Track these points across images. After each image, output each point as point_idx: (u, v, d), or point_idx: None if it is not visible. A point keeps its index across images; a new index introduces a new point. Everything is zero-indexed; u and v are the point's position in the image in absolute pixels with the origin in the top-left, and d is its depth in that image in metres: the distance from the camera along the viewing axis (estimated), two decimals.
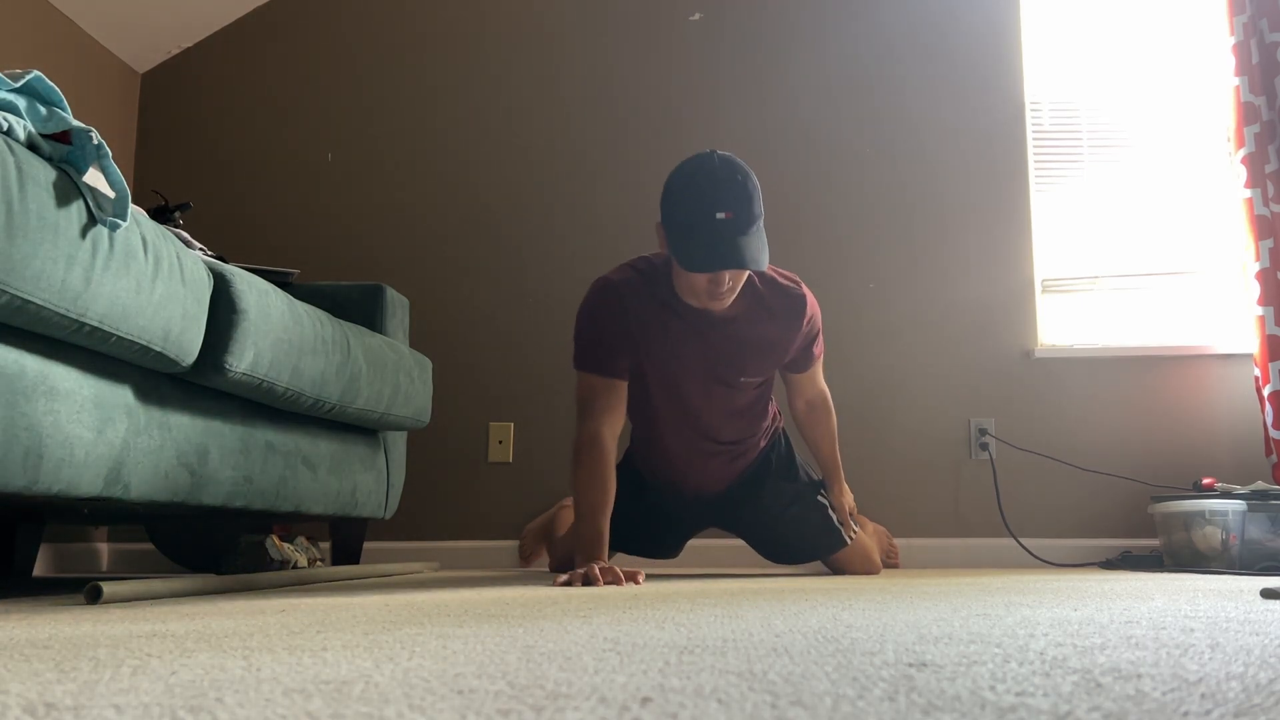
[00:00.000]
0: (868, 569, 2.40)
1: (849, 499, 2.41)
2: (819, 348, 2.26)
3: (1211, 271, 3.08)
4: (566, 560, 2.39)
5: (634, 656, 0.74)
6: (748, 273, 1.99)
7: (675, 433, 2.24)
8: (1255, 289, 2.81)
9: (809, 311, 2.16)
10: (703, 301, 1.99)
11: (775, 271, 2.14)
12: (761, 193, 1.94)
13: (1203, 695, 0.57)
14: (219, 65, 3.41)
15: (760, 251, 1.91)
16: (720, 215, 1.86)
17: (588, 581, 1.81)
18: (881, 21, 3.26)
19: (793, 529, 2.31)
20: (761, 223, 1.93)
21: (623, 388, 2.09)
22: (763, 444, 2.36)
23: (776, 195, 3.19)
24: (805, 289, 2.17)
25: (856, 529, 2.37)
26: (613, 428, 2.05)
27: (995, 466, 2.99)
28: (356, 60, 3.38)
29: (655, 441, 2.28)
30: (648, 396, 2.18)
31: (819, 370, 2.32)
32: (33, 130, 1.32)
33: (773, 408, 2.37)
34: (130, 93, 3.36)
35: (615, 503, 2.04)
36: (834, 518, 2.31)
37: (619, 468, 2.22)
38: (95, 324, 1.39)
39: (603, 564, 1.87)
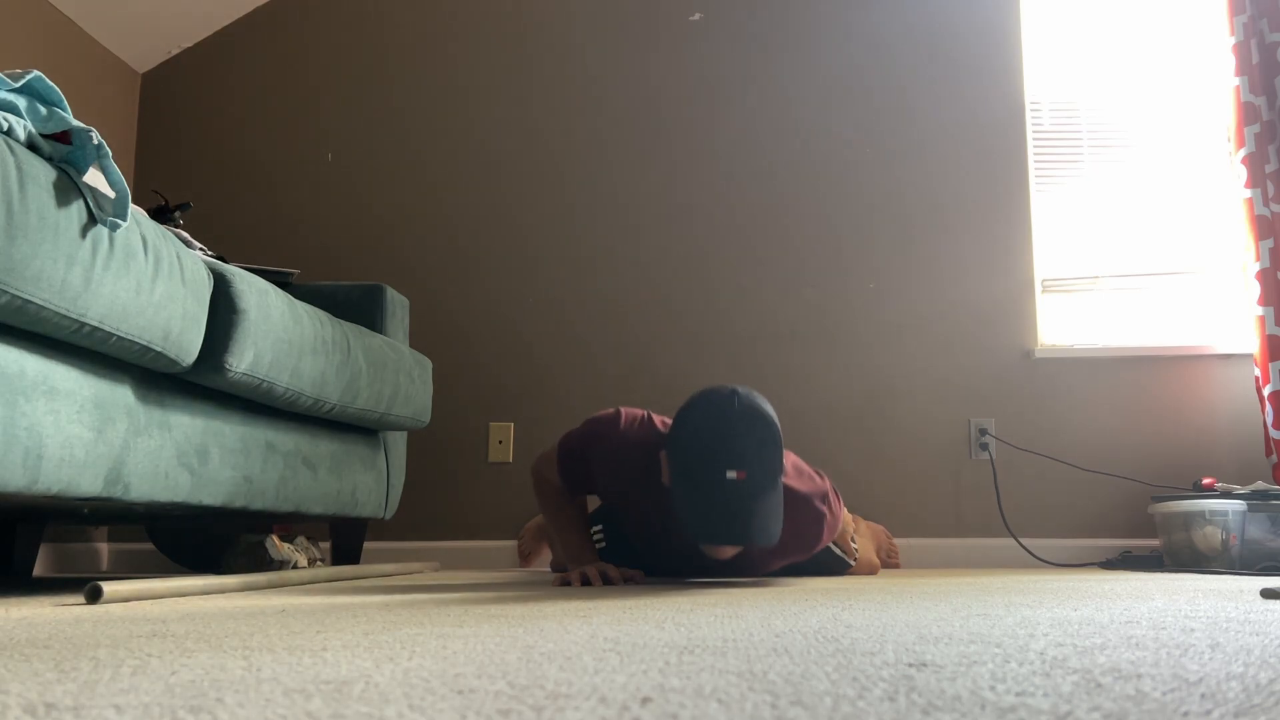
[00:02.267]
0: (868, 569, 2.39)
1: (845, 518, 2.32)
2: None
3: (1211, 271, 3.08)
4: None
5: (634, 656, 0.74)
6: None
7: (658, 557, 2.08)
8: (1255, 289, 2.81)
9: (826, 533, 1.94)
10: (705, 550, 1.77)
11: (791, 482, 1.88)
12: (781, 439, 1.73)
13: (1203, 695, 0.57)
14: (219, 65, 3.41)
15: (772, 517, 1.68)
16: (731, 475, 1.64)
17: (587, 581, 1.81)
18: (881, 21, 3.26)
19: (797, 569, 2.26)
20: (781, 479, 1.71)
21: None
22: (816, 549, 2.04)
23: (776, 195, 3.19)
24: (821, 505, 1.92)
25: (856, 548, 2.35)
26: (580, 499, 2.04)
27: (995, 466, 2.99)
28: (356, 60, 3.38)
29: (638, 538, 2.11)
30: (624, 519, 2.06)
31: None
32: (33, 130, 1.32)
33: (826, 502, 1.98)
34: (130, 93, 3.36)
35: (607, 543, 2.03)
36: (836, 550, 2.29)
37: (596, 515, 2.22)
38: (95, 324, 1.39)
39: (601, 564, 1.87)
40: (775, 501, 1.69)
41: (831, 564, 2.28)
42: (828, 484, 1.98)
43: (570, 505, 2.01)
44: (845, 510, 2.35)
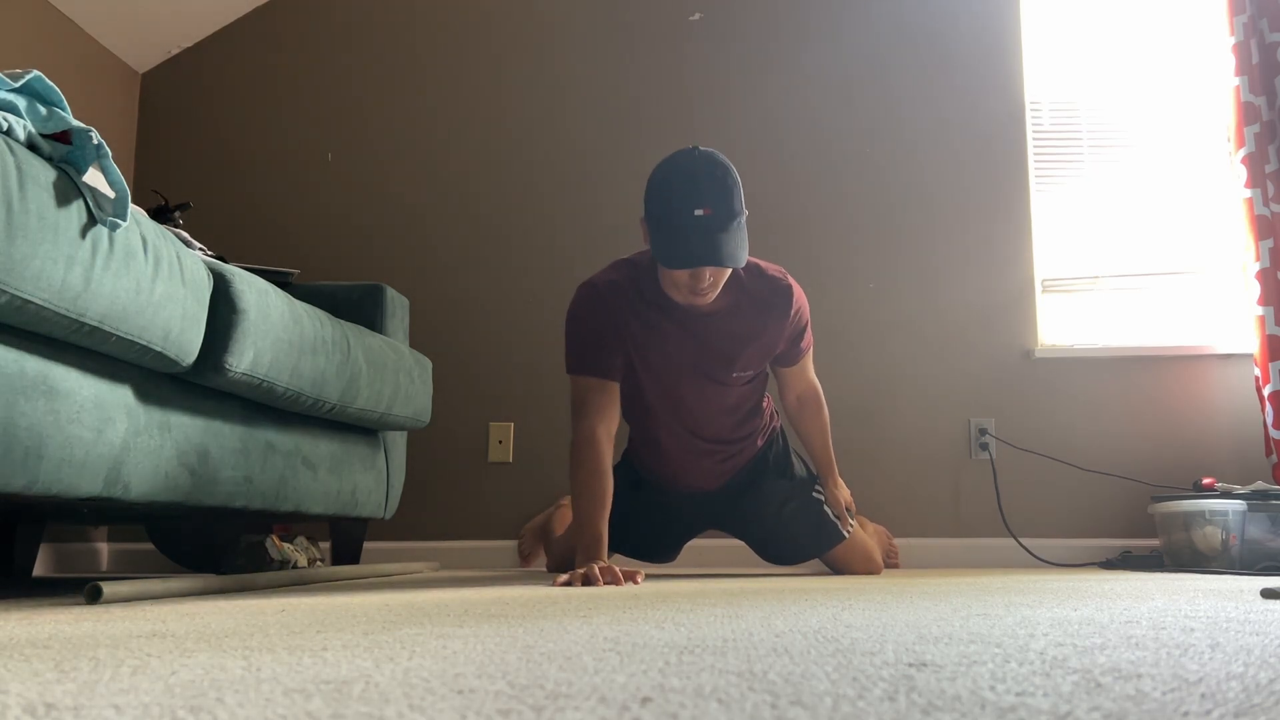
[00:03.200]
0: (868, 569, 2.40)
1: (845, 494, 2.40)
2: (808, 340, 2.26)
3: (1211, 271, 3.08)
4: (564, 560, 2.39)
5: (634, 656, 0.74)
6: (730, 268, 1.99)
7: (669, 431, 2.24)
8: (1255, 289, 2.81)
9: (796, 303, 2.15)
10: (686, 297, 1.99)
11: (760, 263, 2.13)
12: (743, 188, 1.94)
13: (1203, 695, 0.57)
14: (219, 65, 3.41)
15: (739, 248, 1.90)
16: (699, 212, 1.86)
17: (587, 581, 1.81)
18: (881, 21, 3.26)
19: (789, 526, 2.31)
20: (743, 219, 1.92)
21: (615, 388, 2.09)
22: (759, 443, 2.35)
23: (776, 195, 3.19)
24: (791, 280, 2.16)
25: (854, 523, 2.37)
26: (608, 428, 2.06)
27: (995, 466, 2.99)
28: (356, 60, 3.38)
29: (650, 440, 2.29)
30: (640, 394, 2.19)
31: (809, 363, 2.32)
32: (33, 130, 1.32)
33: (768, 406, 2.37)
34: (130, 93, 3.36)
35: (613, 502, 2.04)
36: (830, 512, 2.31)
37: (616, 468, 2.22)
38: (95, 324, 1.39)
39: (602, 564, 1.87)
40: (740, 236, 1.91)
41: (823, 525, 2.29)
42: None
43: (599, 486, 1.98)
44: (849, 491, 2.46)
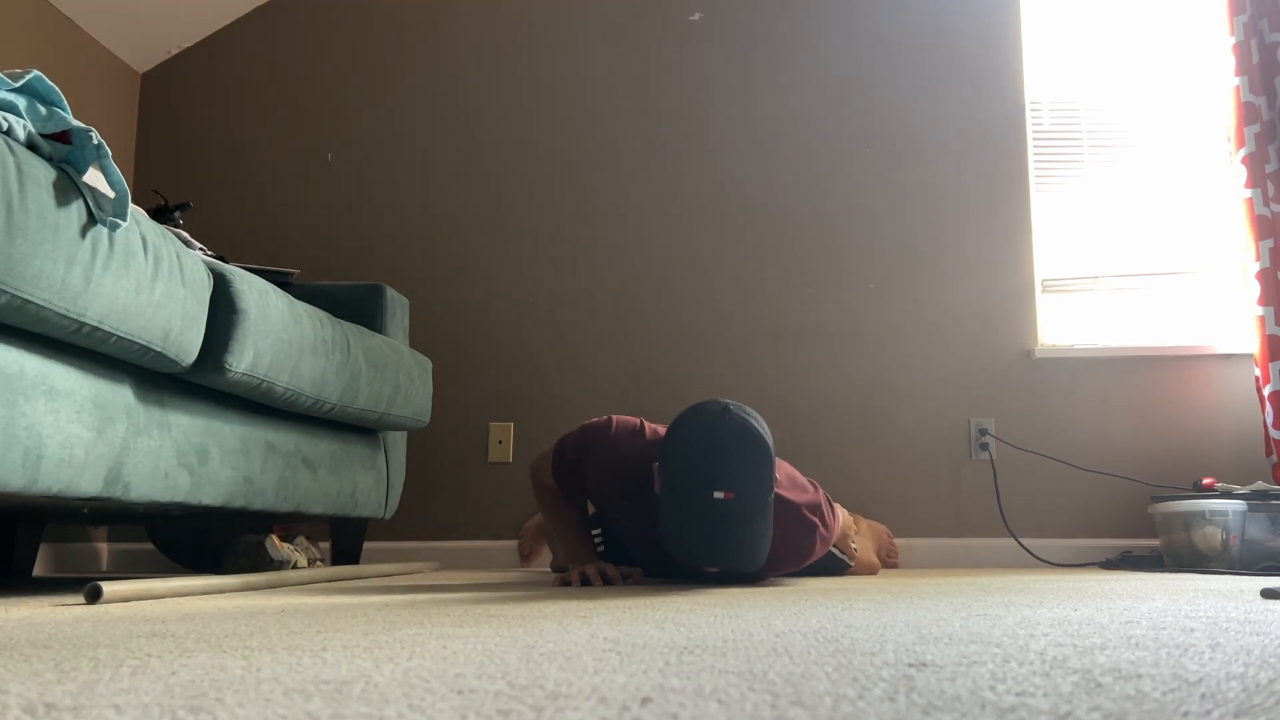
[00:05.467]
0: (868, 569, 2.39)
1: (846, 522, 2.32)
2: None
3: (1211, 271, 3.08)
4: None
5: (634, 656, 0.74)
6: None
7: (654, 563, 2.05)
8: (1255, 289, 2.81)
9: (818, 549, 1.92)
10: None
11: (786, 495, 1.85)
12: (774, 460, 1.70)
13: (1203, 695, 0.57)
14: (219, 65, 3.41)
15: (759, 540, 1.65)
16: (719, 495, 1.61)
17: (587, 581, 1.81)
18: (881, 21, 3.26)
19: (798, 573, 2.26)
20: (771, 498, 1.67)
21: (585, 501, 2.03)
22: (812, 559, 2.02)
23: (776, 195, 3.19)
24: (814, 516, 1.89)
25: (855, 546, 2.35)
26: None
27: (995, 466, 2.99)
28: (356, 60, 3.38)
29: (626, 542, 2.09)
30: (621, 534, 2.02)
31: None
32: (33, 130, 1.32)
33: (819, 534, 1.96)
34: (130, 93, 3.36)
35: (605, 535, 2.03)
36: (836, 553, 2.28)
37: (595, 518, 2.22)
38: (95, 324, 1.39)
39: (601, 564, 1.87)
40: (763, 524, 1.65)
41: (830, 565, 2.28)
42: (821, 495, 1.97)
43: (569, 507, 2.01)
44: (845, 512, 2.34)
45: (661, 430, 1.93)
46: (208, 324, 1.70)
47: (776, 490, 1.83)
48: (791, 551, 1.90)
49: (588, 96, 3.30)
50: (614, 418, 1.94)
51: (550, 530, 2.02)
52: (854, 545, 2.34)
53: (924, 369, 3.07)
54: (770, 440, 1.70)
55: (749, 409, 1.74)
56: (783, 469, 1.94)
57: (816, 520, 1.90)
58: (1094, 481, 2.97)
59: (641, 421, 1.94)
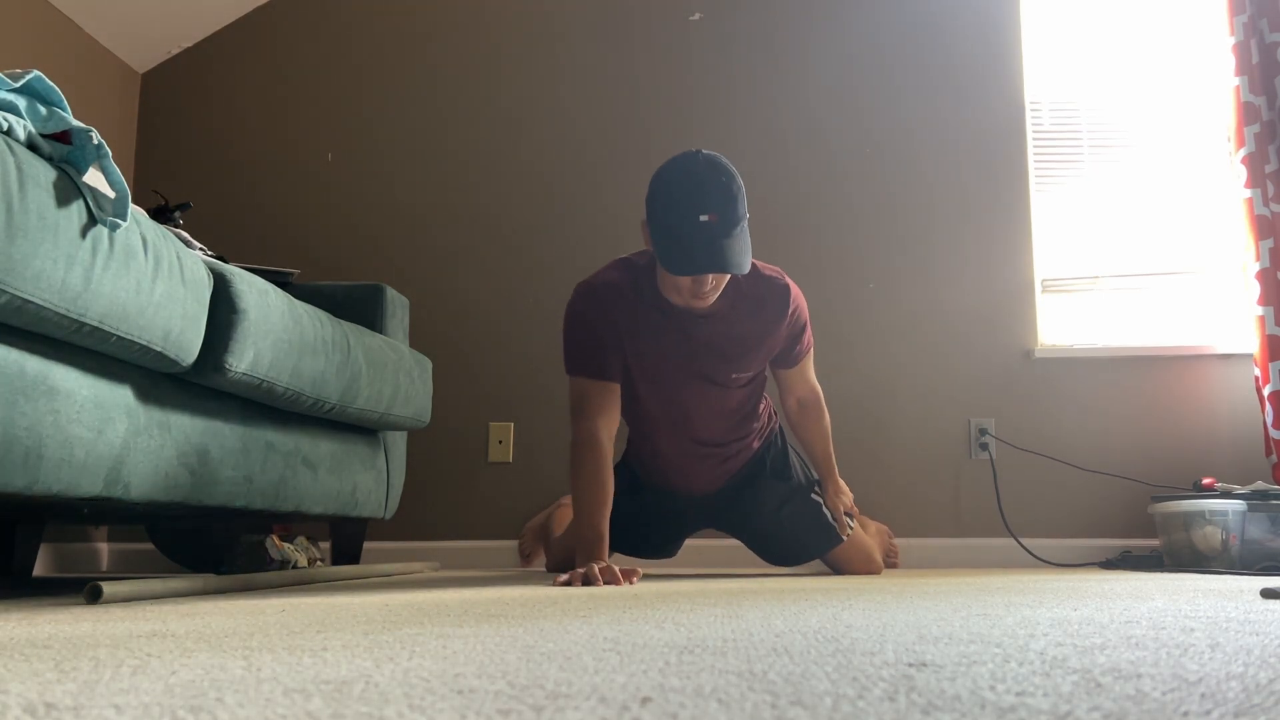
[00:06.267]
0: (869, 569, 2.40)
1: (846, 497, 2.40)
2: (807, 340, 2.24)
3: (1211, 271, 3.08)
4: (564, 559, 2.39)
5: (634, 656, 0.74)
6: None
7: (666, 433, 2.24)
8: (1255, 289, 2.81)
9: (793, 302, 2.15)
10: (686, 300, 2.00)
11: (757, 264, 2.12)
12: (745, 193, 1.93)
13: (1203, 695, 0.57)
14: (219, 65, 3.41)
15: (743, 254, 1.90)
16: (703, 218, 1.85)
17: (587, 581, 1.81)
18: (881, 21, 3.26)
19: (787, 528, 2.31)
20: (745, 224, 1.92)
21: (615, 389, 2.10)
22: (756, 445, 2.35)
23: (777, 195, 3.19)
24: (789, 280, 2.16)
25: (853, 525, 2.37)
26: (608, 428, 2.06)
27: (995, 466, 2.99)
28: (357, 60, 3.38)
29: (648, 442, 2.29)
30: (637, 396, 2.18)
31: (809, 365, 2.31)
32: (33, 130, 1.32)
33: (766, 408, 2.36)
34: (130, 93, 3.36)
35: (613, 501, 2.04)
36: (828, 515, 2.31)
37: (616, 467, 2.22)
38: (95, 324, 1.39)
39: (602, 564, 1.87)
40: (743, 241, 1.91)
41: (821, 527, 2.29)
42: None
43: (602, 485, 1.98)
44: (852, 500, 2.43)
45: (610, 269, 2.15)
46: (208, 324, 1.70)
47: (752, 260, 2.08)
48: (768, 306, 2.11)
49: (587, 96, 3.30)
50: (575, 290, 2.14)
51: (574, 505, 2.02)
52: (851, 523, 2.36)
53: (924, 369, 3.08)
54: (737, 171, 1.94)
55: (716, 152, 1.98)
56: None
57: (788, 281, 2.15)
58: (1094, 481, 2.97)
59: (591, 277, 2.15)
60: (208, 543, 2.73)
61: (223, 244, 3.25)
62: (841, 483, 2.40)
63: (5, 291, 1.23)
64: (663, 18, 3.32)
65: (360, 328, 2.30)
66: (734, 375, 2.16)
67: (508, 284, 3.21)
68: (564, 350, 2.12)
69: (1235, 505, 2.48)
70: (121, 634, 0.95)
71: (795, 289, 2.17)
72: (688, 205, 1.87)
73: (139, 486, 1.59)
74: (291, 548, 2.32)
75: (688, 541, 2.54)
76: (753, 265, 2.10)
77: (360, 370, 2.18)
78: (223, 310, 1.72)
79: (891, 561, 2.84)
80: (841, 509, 2.35)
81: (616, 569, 1.86)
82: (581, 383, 2.08)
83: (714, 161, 1.93)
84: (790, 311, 2.15)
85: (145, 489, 1.60)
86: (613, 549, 2.34)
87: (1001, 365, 3.06)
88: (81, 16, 3.03)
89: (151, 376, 1.65)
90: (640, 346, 2.11)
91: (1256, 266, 2.81)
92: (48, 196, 1.28)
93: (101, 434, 1.48)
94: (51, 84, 1.36)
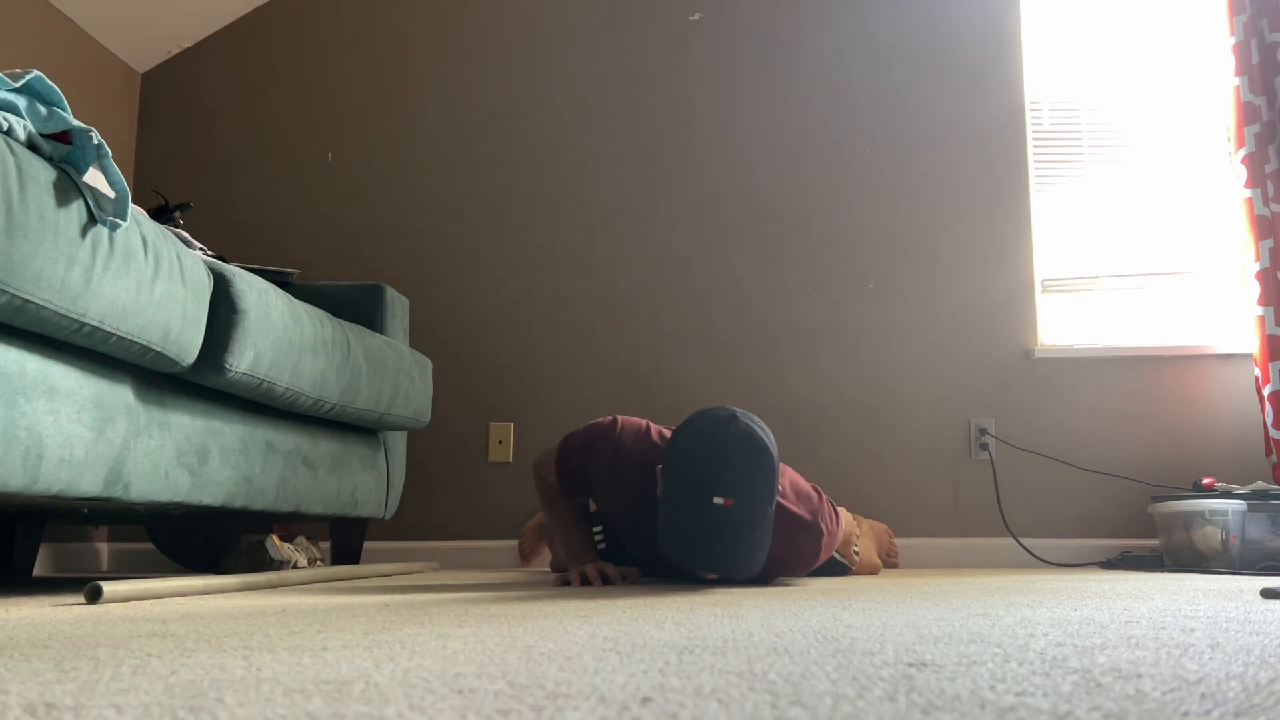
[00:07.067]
0: (868, 569, 2.39)
1: (848, 525, 2.30)
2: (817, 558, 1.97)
3: (1211, 271, 3.08)
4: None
5: (634, 656, 0.74)
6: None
7: (654, 564, 2.04)
8: (1255, 289, 2.81)
9: (823, 555, 1.91)
10: None
11: (786, 503, 1.84)
12: (778, 469, 1.68)
13: (1203, 695, 0.57)
14: (219, 65, 3.41)
15: (756, 548, 1.64)
16: (718, 500, 1.60)
17: (587, 581, 1.81)
18: (881, 21, 3.26)
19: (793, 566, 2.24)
20: (772, 507, 1.67)
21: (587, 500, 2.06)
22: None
23: (776, 195, 3.19)
24: (822, 521, 1.88)
25: (858, 550, 2.35)
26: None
27: (995, 466, 2.99)
28: (356, 60, 3.38)
29: (620, 535, 2.08)
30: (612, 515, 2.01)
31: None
32: (33, 130, 1.32)
33: (824, 542, 1.94)
34: (130, 93, 3.36)
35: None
36: (838, 558, 2.28)
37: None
38: (95, 324, 1.39)
39: (600, 563, 1.87)
40: (761, 533, 1.64)
41: (833, 569, 2.28)
42: (824, 501, 1.96)
43: (570, 505, 2.01)
44: (848, 515, 2.33)
45: (668, 433, 1.92)
46: (208, 324, 1.70)
47: (780, 500, 1.81)
48: (794, 558, 1.89)
49: (587, 96, 3.30)
50: (619, 418, 1.94)
51: (551, 528, 2.03)
52: (856, 550, 2.34)
53: (924, 369, 3.08)
54: (775, 449, 1.68)
55: (755, 417, 1.72)
56: (786, 475, 1.93)
57: (820, 527, 1.89)
58: (1094, 481, 2.97)
59: (648, 424, 1.94)
60: (208, 543, 2.73)
61: (223, 244, 3.25)
62: (842, 513, 2.19)
63: (5, 291, 1.23)
64: (663, 18, 3.32)
65: (360, 328, 2.30)
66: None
67: (508, 284, 3.21)
68: (557, 454, 1.97)
69: (1235, 505, 2.48)
70: (121, 634, 0.95)
71: (827, 535, 1.90)
72: (705, 480, 1.61)
73: (139, 486, 1.59)
74: (291, 548, 2.32)
75: None
76: (782, 490, 1.84)
77: (360, 370, 2.18)
78: (223, 310, 1.72)
79: (891, 561, 2.84)
80: (848, 546, 2.30)
81: (615, 568, 1.86)
82: (558, 485, 1.99)
83: (746, 435, 1.65)
84: (818, 560, 1.92)
85: (145, 489, 1.60)
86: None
87: (1001, 365, 3.06)
88: (81, 16, 3.03)
89: (152, 376, 1.65)
90: (635, 527, 1.95)
91: (1256, 266, 2.81)
92: (48, 196, 1.28)
93: (101, 434, 1.48)
94: (51, 84, 1.36)
